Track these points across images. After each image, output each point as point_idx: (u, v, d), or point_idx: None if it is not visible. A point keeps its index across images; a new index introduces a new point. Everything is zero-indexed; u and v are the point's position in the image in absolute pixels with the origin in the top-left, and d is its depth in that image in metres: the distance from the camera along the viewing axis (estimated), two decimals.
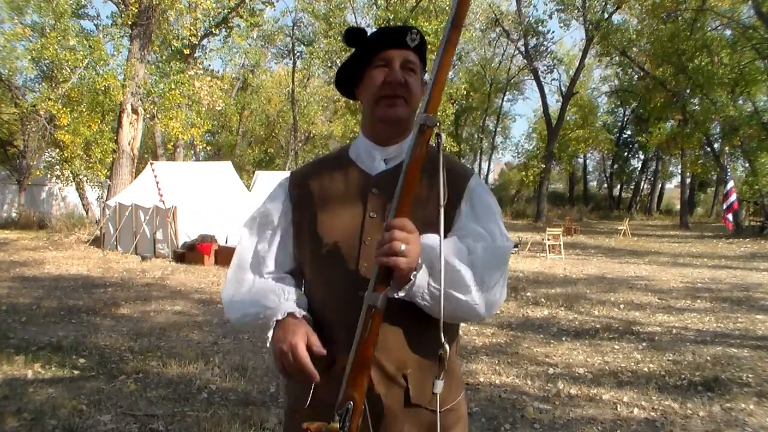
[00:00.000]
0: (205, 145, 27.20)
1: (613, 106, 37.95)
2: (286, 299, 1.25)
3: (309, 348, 1.15)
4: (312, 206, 1.32)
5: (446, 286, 1.16)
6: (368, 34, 1.30)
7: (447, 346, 1.09)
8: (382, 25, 20.62)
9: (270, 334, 1.20)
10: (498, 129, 36.08)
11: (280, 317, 1.20)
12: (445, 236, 1.27)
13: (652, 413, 3.78)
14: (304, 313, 1.24)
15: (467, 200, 1.30)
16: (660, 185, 38.13)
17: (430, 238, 1.17)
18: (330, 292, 1.27)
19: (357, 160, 1.35)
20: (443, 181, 1.09)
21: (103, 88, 15.70)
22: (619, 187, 41.07)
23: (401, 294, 1.14)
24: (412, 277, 1.11)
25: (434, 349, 1.29)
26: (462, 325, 5.75)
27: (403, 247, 1.06)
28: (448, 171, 1.28)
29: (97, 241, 14.75)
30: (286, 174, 1.49)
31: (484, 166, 35.32)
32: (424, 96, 1.12)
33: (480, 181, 1.37)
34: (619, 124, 38.06)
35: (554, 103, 33.34)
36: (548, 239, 14.23)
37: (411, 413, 1.25)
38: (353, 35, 1.29)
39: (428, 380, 1.22)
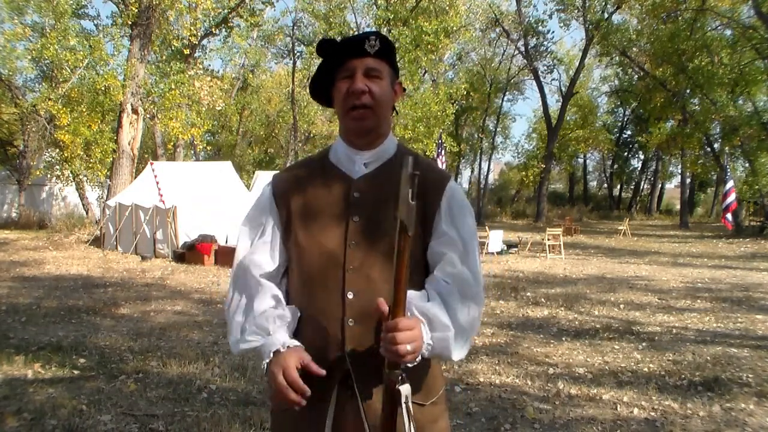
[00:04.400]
0: (205, 145, 27.15)
1: (613, 106, 37.96)
2: (280, 328, 1.30)
3: (305, 367, 1.22)
4: (296, 209, 1.36)
5: (437, 352, 1.27)
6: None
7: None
8: (382, 25, 20.62)
9: (265, 362, 1.26)
10: (498, 129, 36.01)
11: (276, 348, 1.25)
12: (428, 236, 1.34)
13: (652, 413, 3.78)
14: (297, 343, 1.29)
15: (446, 200, 1.35)
16: (660, 185, 38.14)
17: (422, 307, 1.25)
18: (317, 292, 1.31)
19: (338, 164, 1.38)
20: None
21: (103, 88, 15.69)
22: (619, 187, 41.08)
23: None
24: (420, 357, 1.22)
25: None
26: None
27: (409, 347, 1.15)
28: (428, 175, 1.35)
29: (97, 241, 14.75)
30: None
31: (484, 166, 35.17)
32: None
33: (456, 184, 1.43)
34: (619, 124, 38.09)
35: (554, 103, 33.38)
36: (548, 239, 14.24)
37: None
38: (323, 46, 1.32)
39: (416, 376, 1.31)
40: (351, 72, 1.29)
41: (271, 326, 1.29)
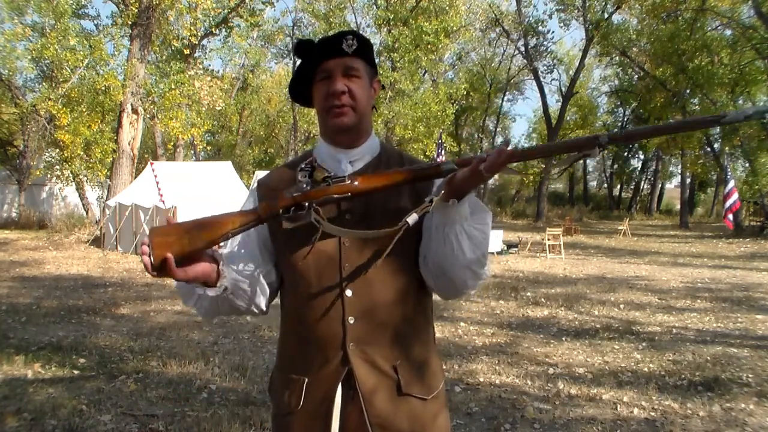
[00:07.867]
0: (205, 145, 27.16)
1: (613, 106, 37.98)
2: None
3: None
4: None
5: (473, 228, 1.27)
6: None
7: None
8: (381, 25, 20.61)
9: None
10: (498, 129, 36.08)
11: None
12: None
13: (652, 413, 3.78)
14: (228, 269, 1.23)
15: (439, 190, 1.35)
16: (660, 185, 38.15)
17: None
18: (314, 293, 1.29)
19: (323, 164, 1.35)
20: None
21: (103, 88, 15.70)
22: (619, 187, 41.11)
23: (454, 201, 1.22)
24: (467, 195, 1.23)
25: (422, 341, 1.38)
26: (462, 324, 5.70)
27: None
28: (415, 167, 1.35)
29: (97, 241, 14.76)
30: None
31: None
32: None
33: None
34: (619, 124, 38.05)
35: (554, 103, 33.37)
36: (548, 239, 14.23)
37: (402, 402, 1.30)
38: (301, 47, 1.30)
39: (418, 371, 1.32)
40: (329, 73, 1.28)
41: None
